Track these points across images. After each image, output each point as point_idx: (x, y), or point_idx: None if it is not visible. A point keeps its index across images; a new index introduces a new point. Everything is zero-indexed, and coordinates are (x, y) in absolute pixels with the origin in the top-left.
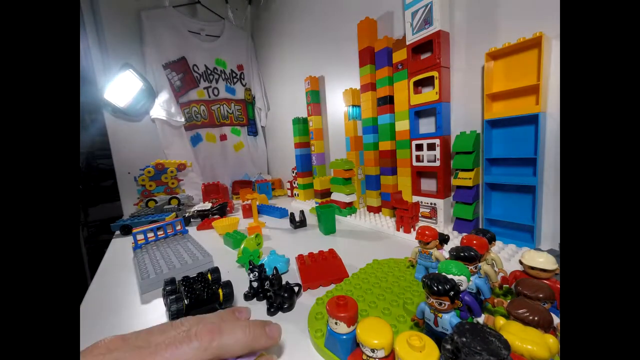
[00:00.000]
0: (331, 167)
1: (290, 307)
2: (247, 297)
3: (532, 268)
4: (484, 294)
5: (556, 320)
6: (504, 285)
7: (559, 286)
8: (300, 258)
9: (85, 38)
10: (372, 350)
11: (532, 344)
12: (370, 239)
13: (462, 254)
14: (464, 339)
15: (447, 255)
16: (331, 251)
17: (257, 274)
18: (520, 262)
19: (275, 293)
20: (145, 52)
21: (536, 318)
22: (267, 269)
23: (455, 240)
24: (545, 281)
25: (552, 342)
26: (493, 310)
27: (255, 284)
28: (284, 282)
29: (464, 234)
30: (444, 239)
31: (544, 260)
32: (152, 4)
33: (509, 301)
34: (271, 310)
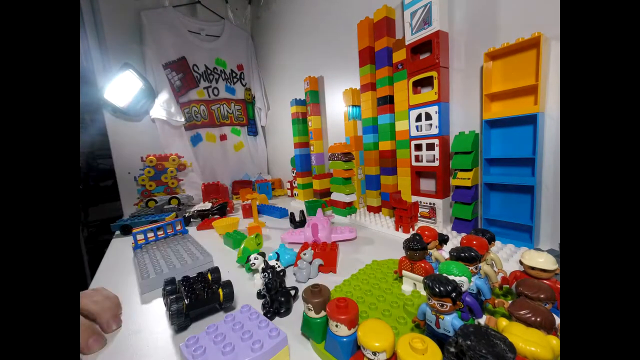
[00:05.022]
0: (331, 166)
1: (287, 312)
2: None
3: (533, 268)
4: (484, 295)
5: (558, 321)
6: (504, 286)
7: (559, 286)
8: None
9: (85, 38)
10: (374, 354)
11: (536, 345)
12: (369, 239)
13: (462, 255)
14: (469, 342)
15: (446, 256)
16: (334, 244)
17: (268, 274)
18: (521, 262)
19: (272, 298)
20: (145, 52)
21: (539, 319)
22: (281, 262)
23: (454, 240)
24: (545, 281)
25: (555, 343)
26: (493, 310)
27: (263, 286)
28: (284, 284)
29: (463, 234)
30: (443, 240)
31: (544, 260)
32: (152, 4)
33: (510, 302)
34: (267, 316)
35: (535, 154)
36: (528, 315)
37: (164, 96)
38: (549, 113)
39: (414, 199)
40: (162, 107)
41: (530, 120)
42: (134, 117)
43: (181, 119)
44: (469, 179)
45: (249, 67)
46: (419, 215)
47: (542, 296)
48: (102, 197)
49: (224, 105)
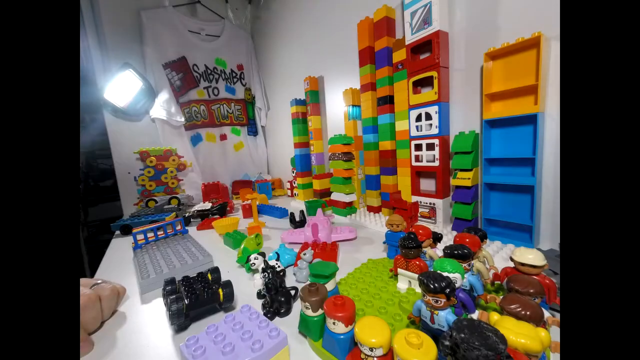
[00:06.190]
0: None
1: (287, 312)
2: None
3: (523, 264)
4: (477, 291)
5: (546, 314)
6: (496, 282)
7: (547, 281)
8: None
9: (85, 38)
10: (371, 349)
11: (526, 337)
12: (369, 239)
13: (455, 252)
14: (463, 335)
15: (440, 254)
16: (334, 244)
17: (268, 274)
18: (511, 259)
19: (272, 298)
20: (145, 52)
21: (528, 313)
22: (281, 262)
23: (446, 238)
24: (534, 277)
25: (543, 335)
26: (486, 306)
27: (263, 286)
28: (284, 284)
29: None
30: (437, 238)
31: (533, 257)
32: (152, 4)
33: (501, 297)
34: (267, 316)
35: (535, 154)
36: (518, 309)
37: (164, 96)
38: (549, 113)
39: (414, 199)
40: (162, 107)
41: (530, 120)
42: (134, 117)
43: (181, 119)
44: (469, 179)
45: (249, 67)
46: (419, 215)
47: (531, 291)
48: (102, 197)
49: (224, 105)
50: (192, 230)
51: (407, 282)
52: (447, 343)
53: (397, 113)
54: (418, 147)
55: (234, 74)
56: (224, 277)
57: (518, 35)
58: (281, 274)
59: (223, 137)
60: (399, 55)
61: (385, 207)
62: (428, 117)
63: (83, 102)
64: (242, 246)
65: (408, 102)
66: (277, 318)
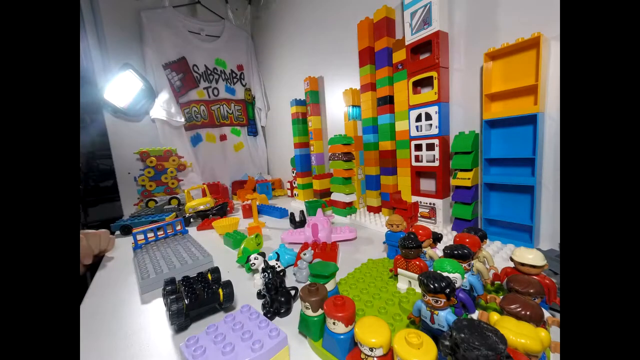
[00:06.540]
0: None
1: (287, 312)
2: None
3: (523, 264)
4: (477, 291)
5: (546, 314)
6: (496, 282)
7: (547, 281)
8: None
9: (85, 38)
10: (371, 349)
11: (526, 337)
12: (369, 239)
13: (455, 252)
14: (463, 335)
15: (440, 254)
16: (334, 244)
17: (268, 274)
18: (511, 259)
19: (272, 298)
20: (145, 52)
21: (528, 313)
22: (281, 262)
23: (446, 238)
24: (534, 277)
25: (543, 335)
26: (486, 306)
27: (263, 286)
28: (284, 284)
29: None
30: (437, 238)
31: (533, 257)
32: (152, 4)
33: (501, 297)
34: (268, 316)
35: (535, 154)
36: (518, 310)
37: (164, 96)
38: (549, 113)
39: (414, 199)
40: (162, 107)
41: (530, 120)
42: (134, 117)
43: (181, 119)
44: (469, 179)
45: (249, 67)
46: (419, 215)
47: (531, 291)
48: (102, 197)
49: (224, 105)
50: (192, 230)
51: (407, 282)
52: (447, 343)
53: (397, 113)
54: (418, 147)
55: (234, 75)
56: (224, 277)
57: (518, 36)
58: (281, 274)
59: (223, 137)
60: (399, 56)
61: (385, 207)
62: (428, 117)
63: (83, 102)
64: (242, 246)
65: (408, 102)
66: (277, 318)
